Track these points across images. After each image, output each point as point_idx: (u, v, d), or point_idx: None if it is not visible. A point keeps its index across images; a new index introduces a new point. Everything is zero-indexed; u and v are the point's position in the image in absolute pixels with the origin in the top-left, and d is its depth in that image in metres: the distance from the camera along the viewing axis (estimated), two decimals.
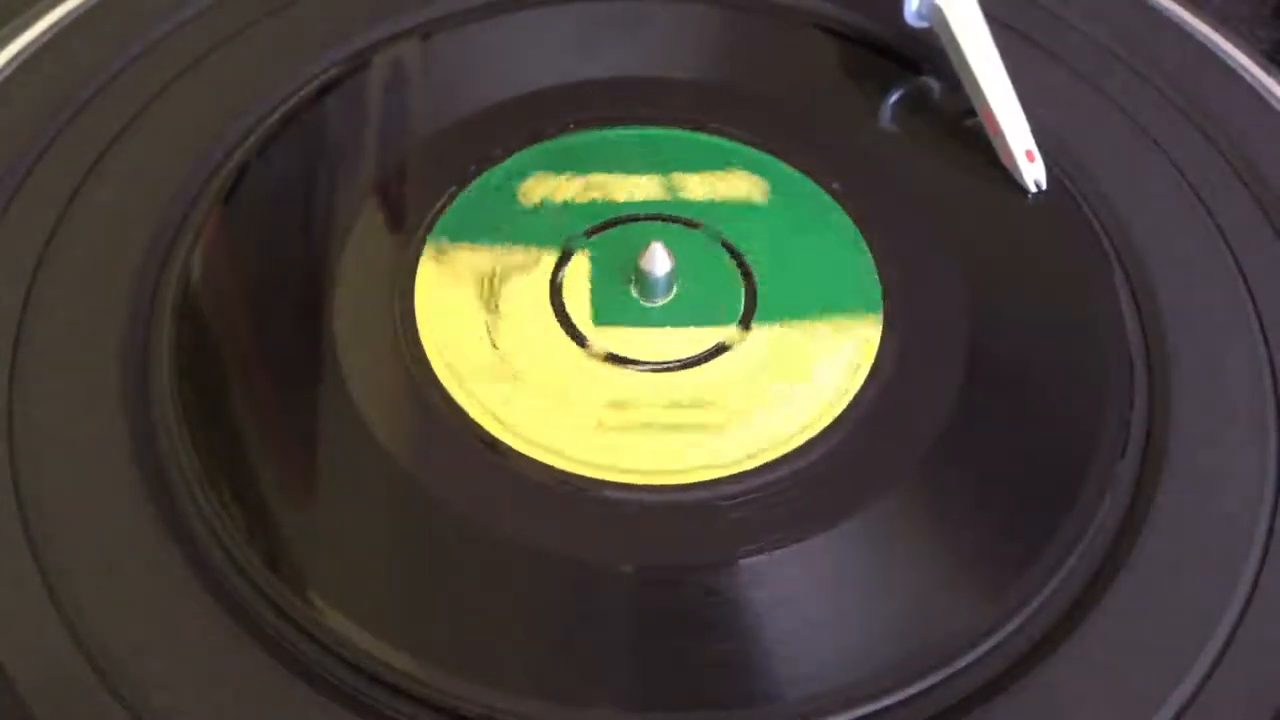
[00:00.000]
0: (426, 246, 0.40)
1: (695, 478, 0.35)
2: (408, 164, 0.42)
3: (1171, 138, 0.44)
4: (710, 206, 0.42)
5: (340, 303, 0.38)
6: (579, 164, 0.42)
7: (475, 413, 0.36)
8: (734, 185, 0.42)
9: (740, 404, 0.37)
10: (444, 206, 0.41)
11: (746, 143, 0.43)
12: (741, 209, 0.42)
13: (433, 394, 0.36)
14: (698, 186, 0.42)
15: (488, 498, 0.35)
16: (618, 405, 0.37)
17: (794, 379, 0.38)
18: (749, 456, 0.36)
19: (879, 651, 0.32)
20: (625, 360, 0.38)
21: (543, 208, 0.41)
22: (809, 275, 0.40)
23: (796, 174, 0.43)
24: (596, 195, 0.42)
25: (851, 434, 0.36)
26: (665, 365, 0.38)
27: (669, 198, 0.42)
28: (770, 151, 0.43)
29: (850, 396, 0.37)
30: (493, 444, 0.36)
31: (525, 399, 0.37)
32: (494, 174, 0.42)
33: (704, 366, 0.38)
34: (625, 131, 0.44)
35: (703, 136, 0.44)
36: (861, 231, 0.41)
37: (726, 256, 0.40)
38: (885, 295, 0.40)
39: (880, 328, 0.39)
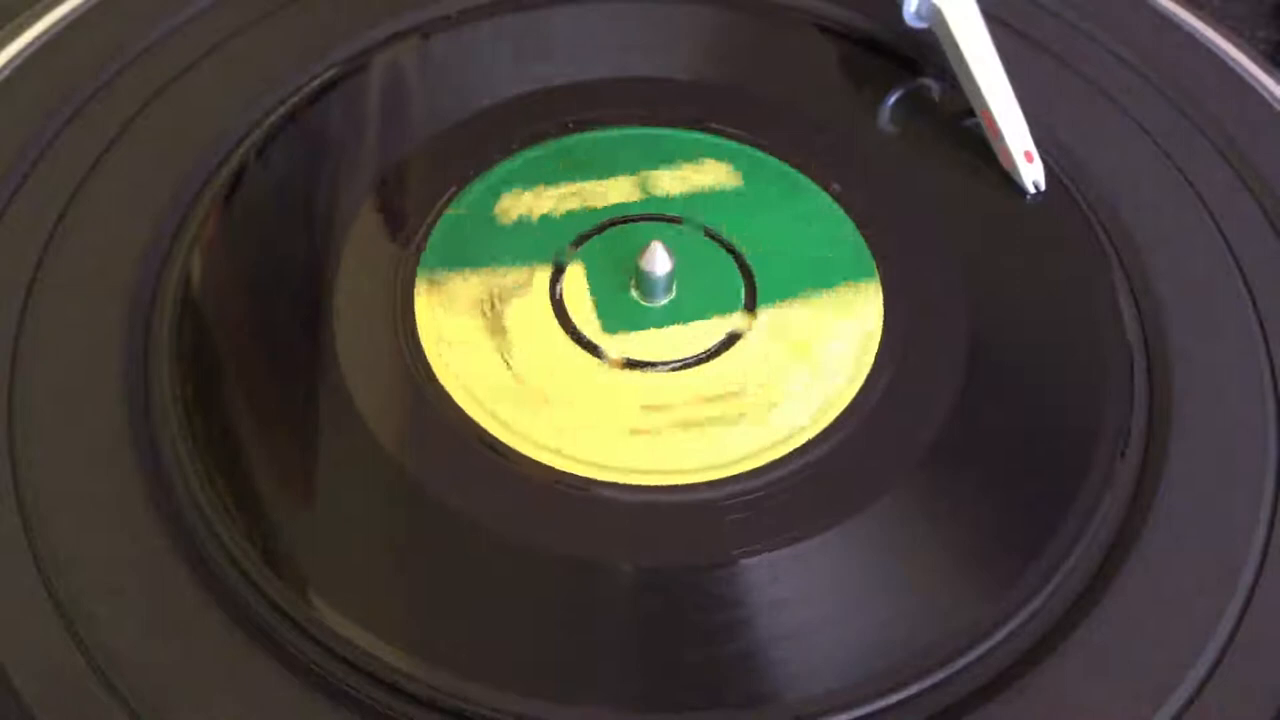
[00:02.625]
0: (418, 280, 0.39)
1: (727, 471, 0.35)
2: (408, 163, 0.42)
3: (1171, 138, 0.44)
4: (688, 200, 0.42)
5: (340, 303, 0.38)
6: (550, 175, 0.42)
7: (476, 414, 0.36)
8: (707, 176, 0.43)
9: (764, 391, 0.37)
10: (437, 216, 0.41)
11: (738, 140, 0.44)
12: (718, 198, 0.42)
13: (432, 394, 0.36)
14: (671, 183, 0.42)
15: (488, 498, 0.35)
16: (648, 409, 0.37)
17: (808, 360, 0.38)
18: (776, 445, 0.36)
19: (879, 651, 0.32)
20: (644, 364, 0.38)
21: (521, 224, 0.41)
22: (800, 254, 0.40)
23: (768, 158, 0.43)
24: (573, 205, 0.41)
25: (851, 434, 0.36)
26: (683, 362, 0.38)
27: (643, 197, 0.42)
28: (769, 151, 0.43)
29: (850, 397, 0.37)
30: (492, 444, 0.36)
31: (552, 415, 0.37)
32: (466, 196, 0.41)
33: (721, 358, 0.38)
34: (586, 136, 0.43)
35: (667, 131, 0.44)
36: (861, 230, 0.41)
37: (716, 248, 0.41)
38: (885, 295, 0.40)
39: (879, 301, 0.39)
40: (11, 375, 0.36)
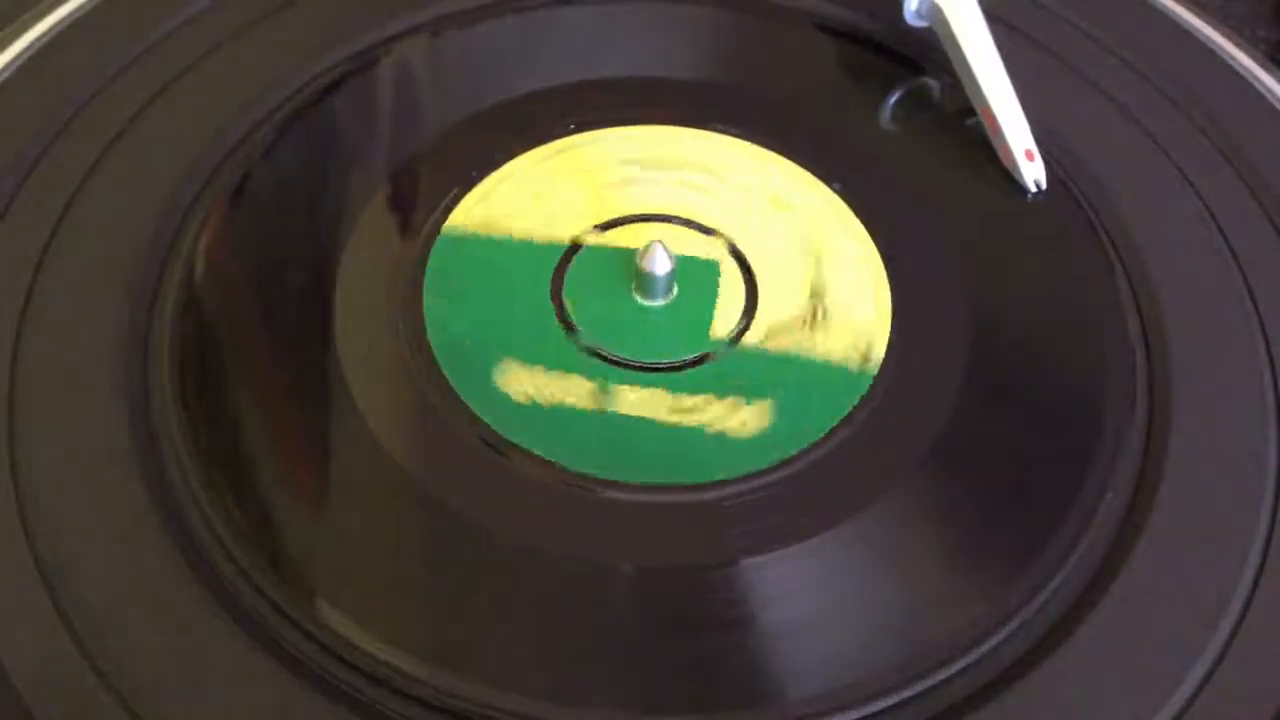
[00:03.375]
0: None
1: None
2: (410, 165, 0.42)
3: (1171, 138, 0.44)
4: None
5: (343, 303, 0.38)
6: None
7: (479, 411, 0.36)
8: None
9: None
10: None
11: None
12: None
13: (435, 394, 0.36)
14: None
15: (488, 498, 0.35)
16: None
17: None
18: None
19: (879, 651, 0.32)
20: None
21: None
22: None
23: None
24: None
25: (851, 434, 0.36)
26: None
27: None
28: (770, 150, 0.43)
29: (850, 396, 0.37)
30: (495, 444, 0.36)
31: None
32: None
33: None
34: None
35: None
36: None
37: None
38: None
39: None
40: (12, 375, 0.36)
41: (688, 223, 0.41)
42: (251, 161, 0.41)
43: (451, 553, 0.34)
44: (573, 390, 0.37)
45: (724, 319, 0.39)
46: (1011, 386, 0.38)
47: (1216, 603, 0.34)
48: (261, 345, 0.38)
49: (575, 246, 0.40)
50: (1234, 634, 0.33)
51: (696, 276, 0.40)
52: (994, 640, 0.33)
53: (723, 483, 0.35)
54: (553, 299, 0.39)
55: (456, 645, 0.32)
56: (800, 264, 0.40)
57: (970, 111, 0.44)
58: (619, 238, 0.41)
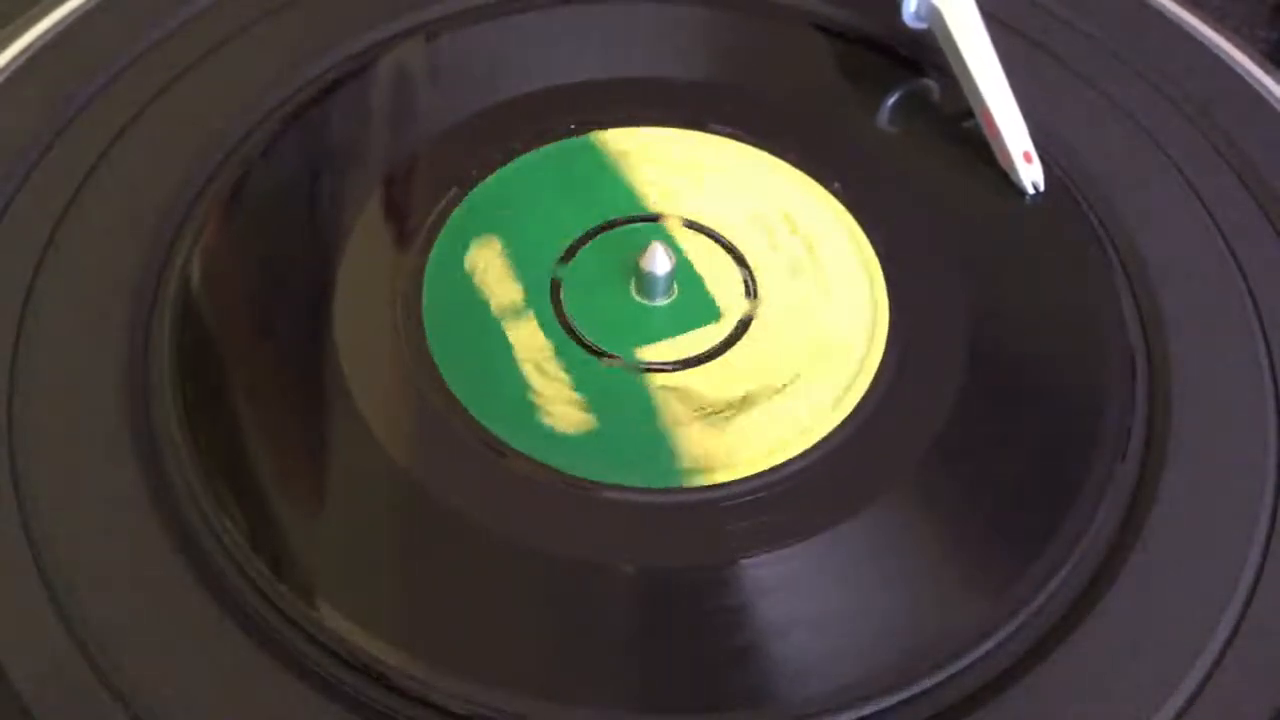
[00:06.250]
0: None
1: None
2: (409, 165, 0.42)
3: (1171, 138, 0.44)
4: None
5: (342, 303, 0.38)
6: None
7: (477, 414, 0.36)
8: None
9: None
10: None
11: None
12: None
13: (435, 394, 0.36)
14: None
15: (488, 498, 0.35)
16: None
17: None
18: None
19: (879, 651, 0.32)
20: (671, 364, 0.38)
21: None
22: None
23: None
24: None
25: (851, 434, 0.36)
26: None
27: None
28: (769, 151, 0.43)
29: (850, 397, 0.37)
30: (494, 445, 0.36)
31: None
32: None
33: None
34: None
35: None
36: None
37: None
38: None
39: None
40: (12, 376, 0.36)
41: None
42: (251, 162, 0.41)
43: (451, 553, 0.34)
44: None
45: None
46: (1011, 387, 0.38)
47: (1216, 603, 0.34)
48: (261, 345, 0.38)
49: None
50: (1234, 634, 0.33)
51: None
52: (994, 640, 0.33)
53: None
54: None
55: (456, 645, 0.32)
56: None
57: (969, 113, 0.44)
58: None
